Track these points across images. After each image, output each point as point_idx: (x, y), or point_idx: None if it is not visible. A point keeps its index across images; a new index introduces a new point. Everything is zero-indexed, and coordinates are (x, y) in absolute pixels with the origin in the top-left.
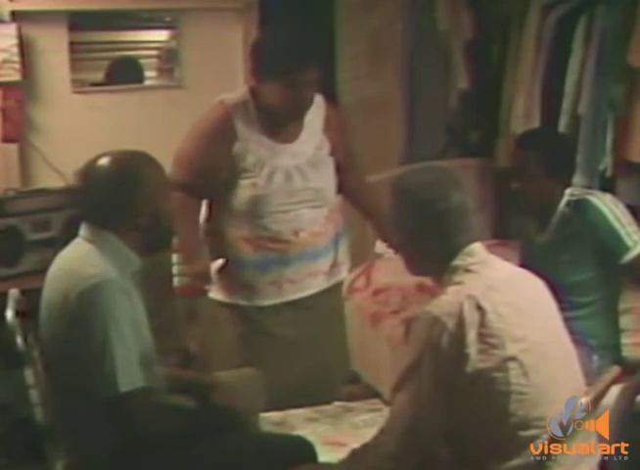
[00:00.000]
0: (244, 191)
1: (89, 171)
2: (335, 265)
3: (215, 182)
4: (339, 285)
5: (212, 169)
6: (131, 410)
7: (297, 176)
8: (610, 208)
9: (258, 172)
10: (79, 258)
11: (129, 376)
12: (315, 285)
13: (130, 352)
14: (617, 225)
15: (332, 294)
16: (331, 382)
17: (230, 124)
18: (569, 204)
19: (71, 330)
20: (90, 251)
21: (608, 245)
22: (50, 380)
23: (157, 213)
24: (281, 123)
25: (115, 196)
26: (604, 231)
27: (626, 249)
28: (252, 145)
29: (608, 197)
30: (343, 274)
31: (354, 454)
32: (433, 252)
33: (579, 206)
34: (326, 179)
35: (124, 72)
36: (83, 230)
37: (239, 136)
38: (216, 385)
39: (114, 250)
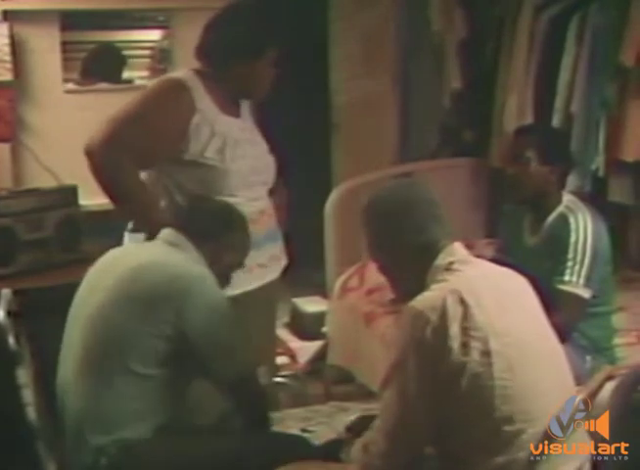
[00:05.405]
0: (204, 167)
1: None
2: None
3: (164, 148)
4: (274, 281)
5: (166, 132)
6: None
7: (251, 150)
8: (580, 236)
9: (220, 146)
10: (173, 258)
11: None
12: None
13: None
14: (571, 255)
15: (269, 288)
16: None
17: (188, 94)
18: (561, 214)
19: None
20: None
21: (555, 263)
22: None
23: (232, 261)
24: (230, 99)
25: (222, 229)
26: (560, 250)
27: (561, 281)
28: (210, 115)
29: (590, 226)
30: (281, 268)
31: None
32: (413, 255)
33: (562, 217)
34: (267, 158)
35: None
36: (169, 236)
37: (197, 107)
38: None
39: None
